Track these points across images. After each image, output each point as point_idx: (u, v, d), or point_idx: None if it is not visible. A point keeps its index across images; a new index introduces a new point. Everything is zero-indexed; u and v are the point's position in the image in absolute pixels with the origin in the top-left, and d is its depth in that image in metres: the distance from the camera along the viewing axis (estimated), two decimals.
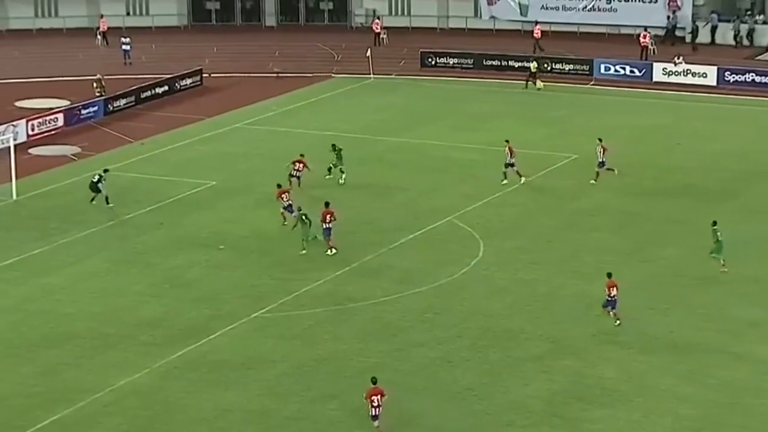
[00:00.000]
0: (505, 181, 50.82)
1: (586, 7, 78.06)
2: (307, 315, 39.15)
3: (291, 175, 49.40)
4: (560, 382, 34.83)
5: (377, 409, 31.48)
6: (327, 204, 44.15)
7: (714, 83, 68.37)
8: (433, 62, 72.13)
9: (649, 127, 60.74)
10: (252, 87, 67.66)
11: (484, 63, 71.46)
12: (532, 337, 37.63)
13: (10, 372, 35.17)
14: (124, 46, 71.74)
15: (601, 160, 51.14)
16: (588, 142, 56.28)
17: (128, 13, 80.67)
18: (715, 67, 68.68)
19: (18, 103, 62.68)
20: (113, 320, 38.61)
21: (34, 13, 79.36)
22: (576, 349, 36.89)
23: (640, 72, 69.75)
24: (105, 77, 64.96)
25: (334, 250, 43.57)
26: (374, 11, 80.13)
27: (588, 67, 70.52)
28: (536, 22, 75.51)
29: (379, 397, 31.57)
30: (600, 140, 51.50)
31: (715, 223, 42.91)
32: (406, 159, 55.00)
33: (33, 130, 58.08)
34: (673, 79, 68.90)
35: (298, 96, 66.08)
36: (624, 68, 70.03)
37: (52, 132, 58.96)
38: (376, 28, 76.73)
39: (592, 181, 50.83)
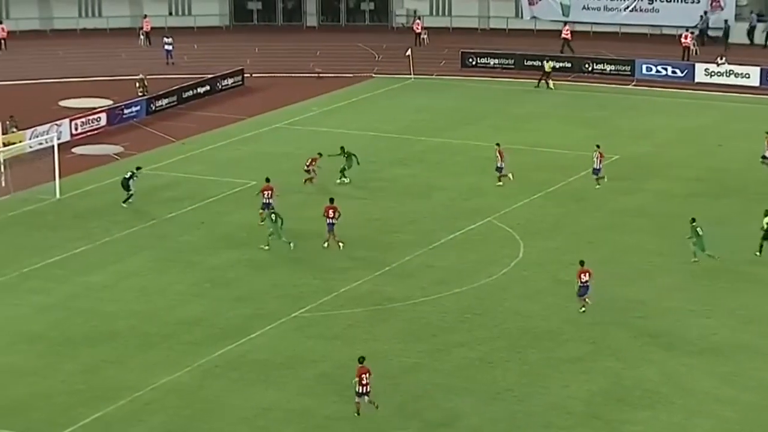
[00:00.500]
0: (499, 183, 50.62)
1: (627, 7, 77.75)
2: (347, 315, 39.27)
3: (307, 173, 50.08)
4: (600, 384, 34.76)
5: (366, 387, 32.97)
6: (331, 200, 44.52)
7: (757, 84, 67.96)
8: (474, 62, 72.11)
9: (691, 128, 60.46)
10: (293, 87, 67.89)
11: (525, 63, 71.33)
12: (572, 339, 37.56)
13: (54, 369, 35.50)
14: (166, 46, 72.19)
15: (597, 167, 50.67)
16: (630, 143, 56.22)
17: (171, 13, 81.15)
18: (758, 68, 68.26)
19: (62, 103, 63.20)
20: (154, 319, 38.90)
21: (78, 13, 79.98)
22: (616, 350, 36.79)
23: (682, 72, 69.42)
24: (147, 77, 65.40)
25: (341, 244, 43.80)
26: (415, 11, 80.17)
27: (629, 67, 70.27)
28: (565, 23, 75.36)
29: (367, 375, 33.01)
30: (598, 146, 51.14)
31: (693, 220, 43.15)
32: (447, 159, 55.03)
33: (76, 129, 58.57)
34: (715, 79, 68.54)
35: (338, 96, 66.25)
36: (666, 69, 69.73)
37: (95, 131, 59.44)
38: (417, 29, 76.78)
39: (597, 186, 50.29)
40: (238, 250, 44.49)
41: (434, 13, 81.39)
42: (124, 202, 47.99)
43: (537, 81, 67.79)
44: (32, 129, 55.83)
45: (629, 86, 68.92)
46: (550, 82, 67.67)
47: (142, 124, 61.13)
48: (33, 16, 78.95)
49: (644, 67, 70.01)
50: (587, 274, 39.12)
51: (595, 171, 50.76)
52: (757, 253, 43.04)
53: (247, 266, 43.08)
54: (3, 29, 74.41)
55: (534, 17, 79.75)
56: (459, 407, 33.44)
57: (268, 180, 46.60)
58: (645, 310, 39.58)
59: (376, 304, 40.02)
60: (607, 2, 78.13)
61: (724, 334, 37.76)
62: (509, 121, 61.55)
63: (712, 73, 68.68)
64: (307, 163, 50.50)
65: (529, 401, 33.79)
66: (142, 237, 45.82)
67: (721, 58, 68.95)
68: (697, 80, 68.74)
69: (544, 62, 68.71)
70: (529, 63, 71.19)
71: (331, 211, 44.00)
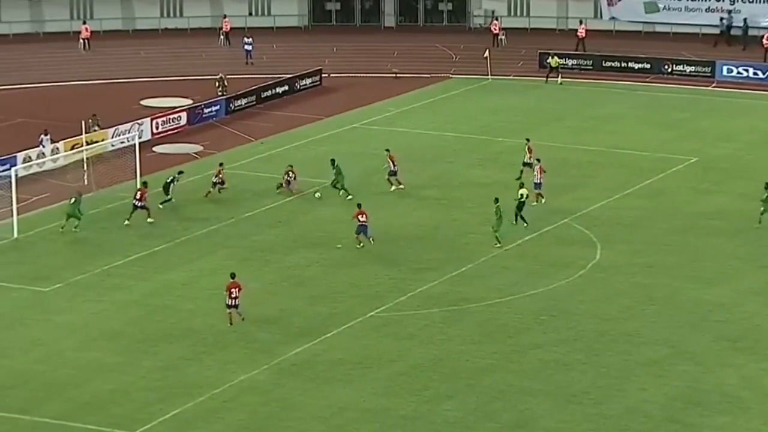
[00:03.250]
0: (518, 178, 49.87)
1: (708, 8, 76.89)
2: (423, 315, 39.34)
3: (388, 173, 49.99)
4: (678, 388, 34.49)
5: (235, 300, 37.67)
6: (359, 205, 44.97)
7: None
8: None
9: None
10: (370, 87, 68.09)
11: (603, 64, 70.91)
12: (649, 342, 37.31)
13: (133, 366, 36.00)
14: (246, 46, 72.74)
15: (526, 161, 50.09)
16: (711, 146, 55.58)
17: (251, 14, 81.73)
18: None
19: (143, 102, 63.96)
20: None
21: (160, 14, 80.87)
22: (694, 354, 36.48)
23: (763, 74, 68.52)
24: (227, 77, 65.97)
25: (372, 240, 44.25)
26: (493, 12, 79.96)
27: (710, 69, 69.53)
28: (581, 21, 74.95)
29: (236, 290, 37.62)
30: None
31: (497, 200, 44.04)
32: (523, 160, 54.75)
33: (157, 128, 59.27)
34: None
35: (415, 96, 66.31)
36: (747, 70, 68.88)
37: (176, 130, 60.11)
38: (495, 29, 76.60)
39: (534, 203, 47.92)
40: (315, 249, 44.75)
41: (512, 13, 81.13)
42: (161, 204, 48.31)
43: (545, 77, 67.47)
44: (114, 128, 56.62)
45: (710, 88, 68.21)
46: (559, 78, 67.28)
47: (222, 124, 61.69)
48: (116, 16, 79.96)
49: (725, 68, 69.22)
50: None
51: (536, 185, 48.61)
52: (513, 223, 44.69)
53: (324, 265, 43.32)
54: (87, 29, 75.48)
55: (613, 18, 79.21)
56: (534, 409, 33.36)
57: (359, 206, 45.88)
58: (724, 314, 39.19)
59: (451, 304, 40.05)
60: (688, 3, 77.36)
61: None
62: (587, 122, 61.20)
63: None
64: (393, 163, 50.11)
65: (605, 404, 33.62)
66: (220, 236, 46.26)
67: None
68: None
69: (550, 58, 68.44)
70: (608, 64, 70.73)
71: (362, 216, 44.19)
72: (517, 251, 44.41)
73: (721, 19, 75.30)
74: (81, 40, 75.12)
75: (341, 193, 49.05)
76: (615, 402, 33.72)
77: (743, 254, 43.85)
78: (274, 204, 49.32)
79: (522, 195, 46.05)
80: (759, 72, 68.74)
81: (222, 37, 76.72)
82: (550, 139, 57.95)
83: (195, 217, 47.99)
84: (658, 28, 77.03)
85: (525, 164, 50.62)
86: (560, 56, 71.54)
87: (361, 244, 44.35)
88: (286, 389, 34.61)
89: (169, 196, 48.58)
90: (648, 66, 70.49)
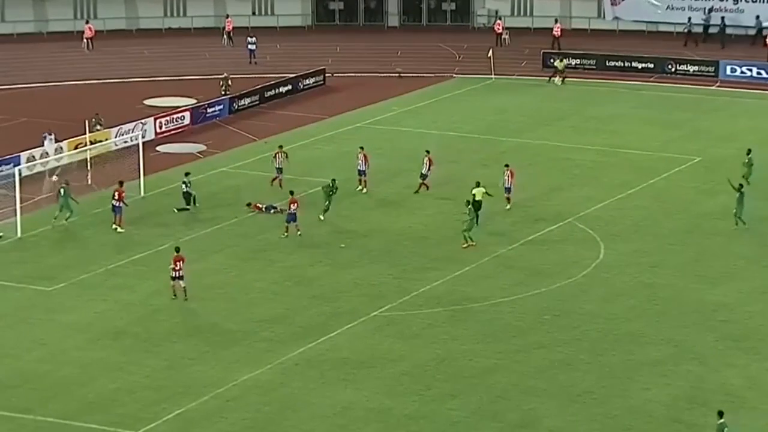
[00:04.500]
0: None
1: (712, 8, 76.84)
2: (426, 314, 39.34)
3: (422, 175, 49.93)
4: (682, 387, 34.48)
5: (179, 272, 39.94)
6: (291, 192, 45.99)
7: None
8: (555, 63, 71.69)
9: None
10: (374, 87, 68.09)
11: (607, 64, 70.89)
12: (653, 341, 37.30)
13: (138, 365, 36.01)
14: (249, 46, 72.72)
15: (424, 172, 49.75)
16: (714, 145, 55.54)
17: (254, 13, 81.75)
18: None
19: (146, 102, 63.98)
20: (235, 316, 39.28)
21: (164, 13, 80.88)
22: (698, 354, 36.47)
23: (767, 74, 68.45)
24: (231, 76, 65.97)
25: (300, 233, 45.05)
26: (496, 12, 79.93)
27: (713, 68, 69.49)
28: (556, 20, 75.05)
29: (180, 263, 40.01)
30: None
31: (468, 203, 44.43)
32: (527, 160, 54.79)
33: (161, 128, 59.28)
34: None
35: (419, 96, 66.31)
36: (751, 70, 68.84)
37: (179, 130, 60.12)
38: (498, 29, 76.58)
39: (507, 207, 47.80)
40: (318, 248, 44.75)
41: (515, 13, 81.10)
42: (178, 209, 48.26)
43: (548, 77, 67.87)
44: (117, 127, 56.63)
45: (713, 87, 68.17)
46: (558, 79, 67.54)
47: (225, 123, 61.69)
48: (119, 15, 79.92)
49: (728, 68, 69.18)
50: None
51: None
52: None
53: (327, 265, 43.32)
54: (90, 29, 75.48)
55: (616, 18, 79.18)
56: (538, 409, 33.36)
57: (292, 193, 46.46)
58: (728, 314, 39.19)
59: (455, 304, 40.05)
60: (691, 2, 77.33)
61: None
62: (591, 122, 61.18)
63: None
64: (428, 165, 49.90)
65: (609, 404, 33.62)
66: (224, 235, 46.27)
67: None
68: None
69: (557, 60, 68.60)
70: (611, 64, 70.71)
71: (294, 205, 45.35)
72: (521, 251, 44.40)
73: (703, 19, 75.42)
74: (84, 40, 75.12)
75: (322, 216, 47.17)
76: (619, 402, 33.72)
77: (747, 254, 43.83)
78: (277, 204, 49.21)
79: (475, 195, 46.04)
80: (763, 71, 68.68)
81: (225, 37, 76.74)
82: (554, 139, 57.94)
83: (198, 217, 47.97)
84: (662, 28, 76.96)
85: (506, 188, 48.92)
86: (564, 56, 71.57)
87: (286, 234, 44.90)
88: (290, 388, 34.62)
89: (188, 206, 48.34)
90: (651, 65, 70.46)
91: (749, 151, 50.68)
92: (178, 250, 40.74)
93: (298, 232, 45.39)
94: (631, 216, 47.94)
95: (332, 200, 47.30)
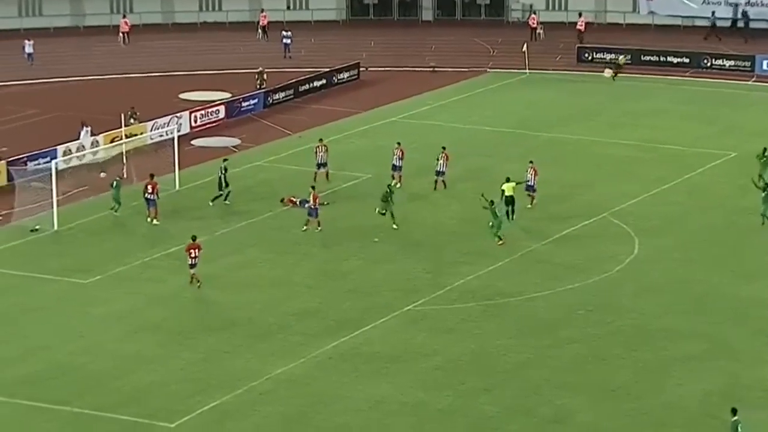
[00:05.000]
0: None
1: (749, 1, 76.40)
2: (460, 309, 39.39)
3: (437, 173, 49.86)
4: (716, 383, 34.38)
5: (195, 260, 40.41)
6: (313, 188, 46.01)
7: None
8: (590, 57, 71.49)
9: None
10: (408, 81, 68.11)
11: (642, 59, 70.64)
12: (687, 337, 37.21)
13: (172, 358, 36.24)
14: (285, 40, 72.92)
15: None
16: (750, 140, 55.23)
17: (288, 7, 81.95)
18: None
19: (182, 95, 64.25)
20: (270, 310, 39.45)
21: (199, 7, 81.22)
22: (733, 349, 36.36)
23: None
24: (266, 70, 66.16)
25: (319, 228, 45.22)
26: (531, 6, 79.80)
27: (750, 63, 69.10)
28: (580, 14, 74.66)
29: (196, 250, 40.35)
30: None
31: (492, 203, 44.00)
32: (562, 155, 54.74)
33: (195, 121, 59.53)
34: None
35: (453, 90, 66.29)
36: None
37: (214, 124, 60.37)
38: (533, 23, 76.44)
39: (528, 206, 47.45)
40: (353, 242, 44.87)
41: (550, 7, 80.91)
42: (212, 201, 48.51)
43: (612, 75, 67.67)
44: (153, 121, 56.94)
45: (749, 82, 67.79)
46: (615, 75, 67.31)
47: (260, 117, 61.90)
48: (155, 10, 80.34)
49: (765, 62, 68.75)
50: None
51: (529, 188, 47.93)
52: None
53: (362, 259, 43.43)
54: (126, 23, 75.87)
55: (651, 12, 78.86)
56: (572, 404, 33.36)
57: (313, 188, 46.21)
58: (763, 309, 39.04)
59: (488, 298, 40.07)
60: None
61: None
62: (625, 117, 61.00)
63: None
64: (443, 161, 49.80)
65: (643, 399, 33.57)
66: (259, 228, 46.46)
67: None
68: None
69: (621, 57, 68.47)
70: (647, 58, 70.44)
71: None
72: (554, 246, 44.37)
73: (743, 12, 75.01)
74: (121, 34, 75.52)
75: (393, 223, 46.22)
76: (652, 397, 33.66)
77: None
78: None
79: (504, 190, 45.99)
80: None
81: (260, 31, 76.95)
82: (589, 134, 57.80)
83: (233, 210, 48.19)
84: (697, 23, 76.60)
85: (529, 186, 48.32)
86: (598, 50, 71.34)
87: (305, 228, 45.12)
88: (323, 382, 34.76)
89: (220, 192, 48.54)
90: (687, 60, 70.17)
91: (765, 150, 50.10)
92: (194, 238, 41.20)
93: (318, 228, 45.40)
94: (666, 211, 47.80)
95: (393, 205, 45.99)
